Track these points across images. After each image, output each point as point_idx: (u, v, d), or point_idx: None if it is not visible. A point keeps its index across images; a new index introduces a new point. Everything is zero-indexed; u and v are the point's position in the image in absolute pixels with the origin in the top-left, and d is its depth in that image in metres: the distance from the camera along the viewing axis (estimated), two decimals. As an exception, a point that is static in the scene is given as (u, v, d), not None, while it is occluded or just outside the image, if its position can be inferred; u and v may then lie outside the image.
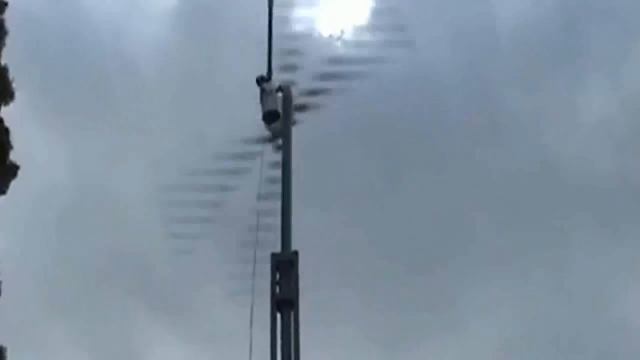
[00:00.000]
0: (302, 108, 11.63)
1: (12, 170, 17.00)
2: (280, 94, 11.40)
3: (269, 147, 11.44)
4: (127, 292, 23.16)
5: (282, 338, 10.13)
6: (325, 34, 13.08)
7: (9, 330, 17.10)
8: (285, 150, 11.17)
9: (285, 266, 10.39)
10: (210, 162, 12.04)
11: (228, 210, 12.04)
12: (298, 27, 12.53)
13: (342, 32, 13.10)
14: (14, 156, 17.10)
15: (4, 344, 17.41)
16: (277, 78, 11.64)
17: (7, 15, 17.53)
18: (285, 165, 11.04)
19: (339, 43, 13.22)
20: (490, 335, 23.90)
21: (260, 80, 11.33)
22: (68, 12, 25.64)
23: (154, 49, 24.49)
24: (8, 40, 17.41)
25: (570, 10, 25.62)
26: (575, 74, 25.41)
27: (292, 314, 10.22)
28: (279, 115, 11.29)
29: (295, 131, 11.46)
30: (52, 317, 22.94)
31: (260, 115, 11.37)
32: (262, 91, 11.29)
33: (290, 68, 11.76)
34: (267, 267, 10.52)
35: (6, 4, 17.18)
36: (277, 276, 10.37)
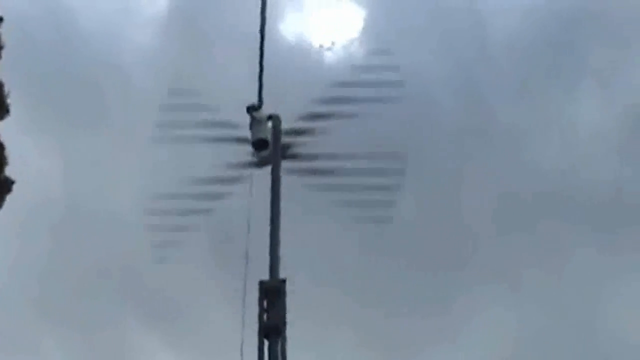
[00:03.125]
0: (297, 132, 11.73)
1: (7, 185, 17.02)
2: (270, 123, 11.49)
3: (257, 173, 11.53)
4: (120, 302, 23.16)
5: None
6: (316, 45, 13.07)
7: (1, 343, 17.13)
8: (274, 178, 11.27)
9: (273, 294, 10.50)
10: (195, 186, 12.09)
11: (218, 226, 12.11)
12: (289, 37, 12.50)
13: (333, 43, 13.08)
14: (9, 171, 17.13)
15: (-2, 357, 17.44)
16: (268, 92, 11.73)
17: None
18: (274, 194, 11.14)
19: (329, 54, 13.21)
20: (487, 342, 23.93)
21: (251, 109, 11.42)
22: (59, 21, 25.64)
23: (145, 57, 24.48)
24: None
25: (562, 21, 25.62)
26: (568, 86, 25.42)
27: (279, 341, 10.33)
28: (267, 144, 11.35)
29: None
30: (45, 329, 22.94)
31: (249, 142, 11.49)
32: (252, 119, 11.39)
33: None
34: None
35: (1, 19, 17.19)
36: (265, 304, 10.48)
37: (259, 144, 11.40)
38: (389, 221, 11.93)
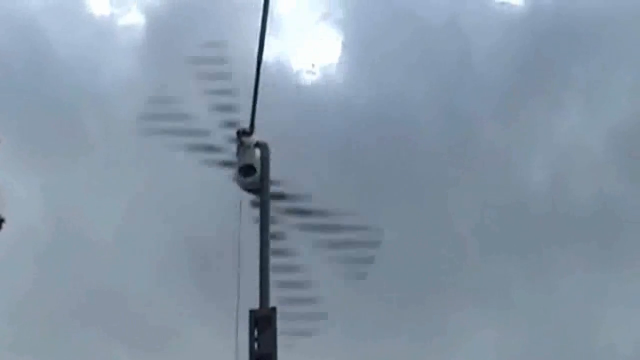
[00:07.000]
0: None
1: (-1, 225, 16.79)
2: (257, 150, 11.42)
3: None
4: (107, 332, 22.93)
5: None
6: (297, 67, 13.01)
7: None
8: (263, 206, 11.21)
9: (263, 322, 10.52)
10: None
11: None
12: (268, 61, 12.37)
13: (313, 65, 13.05)
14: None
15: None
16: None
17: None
18: (263, 222, 11.07)
19: (310, 76, 13.15)
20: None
21: (241, 134, 11.34)
22: (35, 50, 25.51)
23: (124, 84, 24.34)
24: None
25: (544, 37, 25.64)
26: (551, 102, 25.42)
27: None
28: (255, 170, 11.29)
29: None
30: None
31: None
32: (241, 144, 11.31)
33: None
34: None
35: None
36: (256, 332, 10.51)
37: (245, 170, 11.32)
38: (372, 261, 11.90)
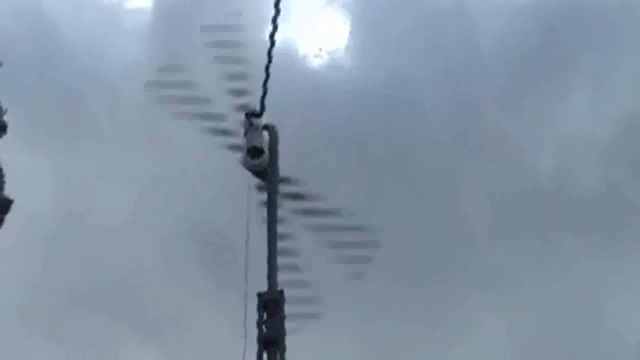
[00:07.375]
0: None
1: (6, 205, 16.83)
2: (266, 133, 11.32)
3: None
4: (114, 316, 23.00)
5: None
6: (303, 52, 12.90)
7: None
8: (271, 190, 11.11)
9: (271, 306, 10.46)
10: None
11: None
12: (277, 43, 12.30)
13: (320, 50, 12.93)
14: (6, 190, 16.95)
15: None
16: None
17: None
18: (271, 206, 10.98)
19: (317, 60, 13.06)
20: (484, 351, 23.80)
21: (250, 115, 11.23)
22: (42, 36, 25.50)
23: (131, 68, 24.34)
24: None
25: (552, 23, 25.57)
26: (559, 88, 25.35)
27: (277, 353, 10.35)
28: (262, 152, 11.21)
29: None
30: (38, 342, 22.74)
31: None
32: (250, 126, 11.19)
33: None
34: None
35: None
36: (264, 315, 10.45)
37: (253, 152, 11.26)
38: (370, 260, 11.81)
